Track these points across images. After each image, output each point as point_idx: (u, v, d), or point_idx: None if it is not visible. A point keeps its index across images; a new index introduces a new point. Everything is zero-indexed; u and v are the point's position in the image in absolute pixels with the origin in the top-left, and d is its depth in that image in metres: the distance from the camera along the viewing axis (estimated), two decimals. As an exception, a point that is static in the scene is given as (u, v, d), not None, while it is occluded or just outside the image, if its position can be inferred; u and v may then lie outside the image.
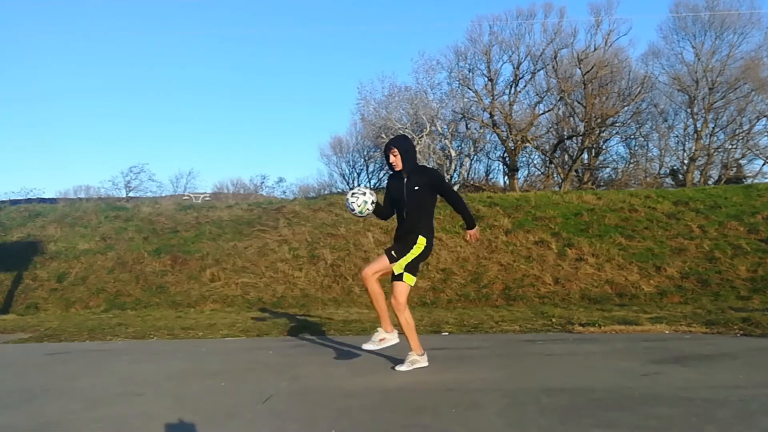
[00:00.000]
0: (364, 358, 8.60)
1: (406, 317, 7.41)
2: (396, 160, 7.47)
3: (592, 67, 39.20)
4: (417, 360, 7.54)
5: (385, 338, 7.48)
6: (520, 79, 41.85)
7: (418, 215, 7.43)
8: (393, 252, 7.38)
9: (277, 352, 9.58)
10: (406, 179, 7.43)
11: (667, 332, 10.72)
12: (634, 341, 9.88)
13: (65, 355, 10.09)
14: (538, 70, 41.78)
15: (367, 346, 7.45)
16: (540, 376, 7.17)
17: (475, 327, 11.43)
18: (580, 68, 40.08)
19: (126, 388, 7.02)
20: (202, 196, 43.38)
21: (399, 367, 7.51)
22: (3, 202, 31.16)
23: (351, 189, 7.79)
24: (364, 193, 7.53)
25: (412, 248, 7.37)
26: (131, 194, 46.54)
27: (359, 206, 7.42)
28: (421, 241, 7.39)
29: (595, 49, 41.00)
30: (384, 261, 7.41)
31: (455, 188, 8.31)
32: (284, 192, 51.36)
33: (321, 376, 7.49)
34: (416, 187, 7.38)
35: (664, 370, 7.27)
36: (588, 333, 10.86)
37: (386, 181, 8.06)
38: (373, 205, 7.49)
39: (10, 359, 10.00)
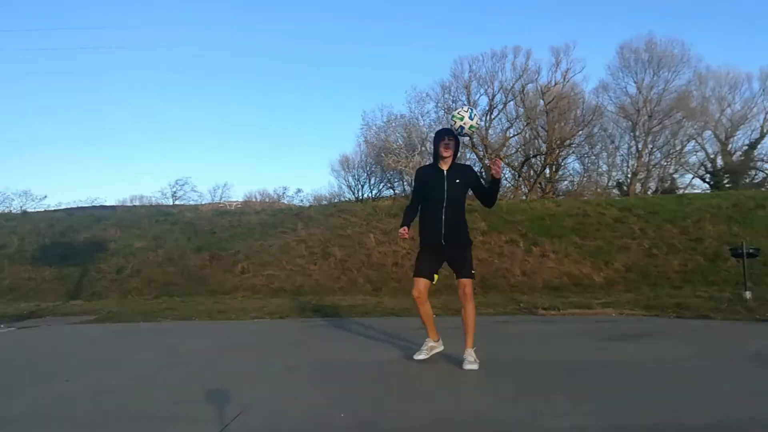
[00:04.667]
0: (366, 336, 8.61)
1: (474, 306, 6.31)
2: (451, 144, 6.23)
3: (553, 99, 39.17)
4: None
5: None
6: (494, 108, 41.71)
7: (459, 211, 6.30)
8: (470, 270, 6.25)
9: (297, 331, 9.59)
10: (446, 171, 6.27)
11: (614, 315, 10.75)
12: (588, 322, 9.90)
13: (123, 333, 10.09)
14: (509, 101, 41.64)
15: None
16: (511, 350, 7.18)
17: (458, 311, 11.33)
18: (543, 99, 40.01)
19: (173, 360, 7.03)
20: (234, 204, 43.24)
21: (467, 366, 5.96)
22: (73, 209, 31.12)
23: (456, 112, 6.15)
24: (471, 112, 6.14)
25: (471, 254, 6.37)
26: (177, 202, 46.42)
27: (461, 117, 6.06)
28: (470, 242, 6.43)
29: (555, 84, 40.91)
30: (466, 284, 6.21)
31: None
32: (302, 200, 51.02)
33: (333, 350, 7.49)
34: (458, 180, 6.25)
35: (612, 346, 7.28)
36: (550, 315, 10.88)
37: (415, 176, 6.68)
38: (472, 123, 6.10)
39: (78, 336, 10.00)
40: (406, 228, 6.31)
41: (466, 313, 6.26)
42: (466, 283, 6.23)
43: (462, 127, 6.12)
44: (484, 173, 41.26)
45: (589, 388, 5.02)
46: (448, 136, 6.27)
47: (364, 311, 11.92)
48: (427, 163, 6.69)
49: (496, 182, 6.27)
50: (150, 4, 79.55)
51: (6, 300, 16.26)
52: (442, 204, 6.19)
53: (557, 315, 10.92)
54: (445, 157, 6.29)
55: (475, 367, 5.91)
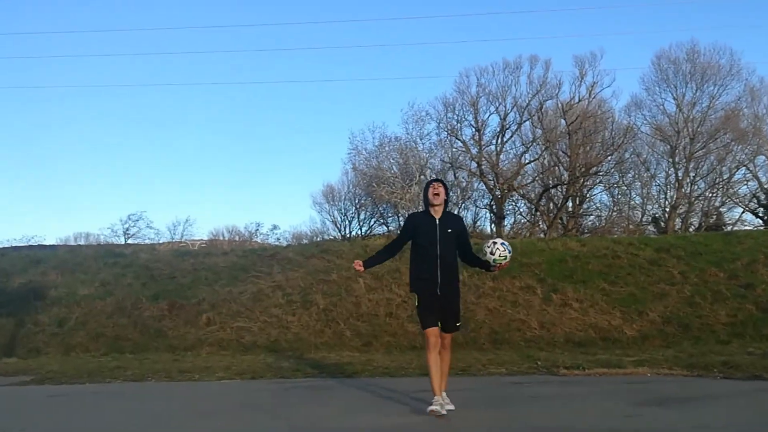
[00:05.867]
0: (354, 399, 8.62)
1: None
2: (441, 191, 7.30)
3: (577, 118, 39.38)
4: None
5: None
6: (507, 129, 41.96)
7: (454, 260, 7.39)
8: (456, 324, 7.50)
9: (272, 394, 9.60)
10: (438, 219, 7.30)
11: (649, 375, 10.76)
12: (617, 383, 9.92)
13: (65, 397, 10.08)
14: (524, 121, 41.91)
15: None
16: (526, 417, 7.20)
17: (463, 370, 11.44)
18: (564, 119, 40.25)
19: (124, 428, 7.03)
20: (198, 242, 43.28)
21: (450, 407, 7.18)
22: (5, 248, 31.09)
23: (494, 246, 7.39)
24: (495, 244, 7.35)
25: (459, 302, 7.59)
26: (130, 241, 46.53)
27: (492, 253, 7.30)
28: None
29: (579, 101, 41.15)
30: (449, 337, 7.45)
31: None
32: (278, 239, 51.26)
33: (314, 416, 7.51)
34: (449, 230, 7.28)
35: (646, 412, 7.31)
36: (572, 376, 10.89)
37: (406, 220, 7.92)
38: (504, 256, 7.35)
39: (12, 401, 9.99)
40: (361, 264, 7.48)
41: (443, 362, 7.31)
42: (448, 336, 7.43)
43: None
44: (494, 206, 41.53)
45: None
46: (437, 182, 7.39)
47: (352, 370, 11.91)
48: (420, 210, 7.79)
49: (486, 266, 7.48)
50: (95, 11, 79.98)
51: (-76, 358, 16.21)
52: (436, 253, 7.22)
53: (581, 375, 10.94)
54: (436, 205, 7.35)
55: (452, 407, 7.11)
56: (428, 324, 7.22)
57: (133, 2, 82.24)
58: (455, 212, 41.58)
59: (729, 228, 39.33)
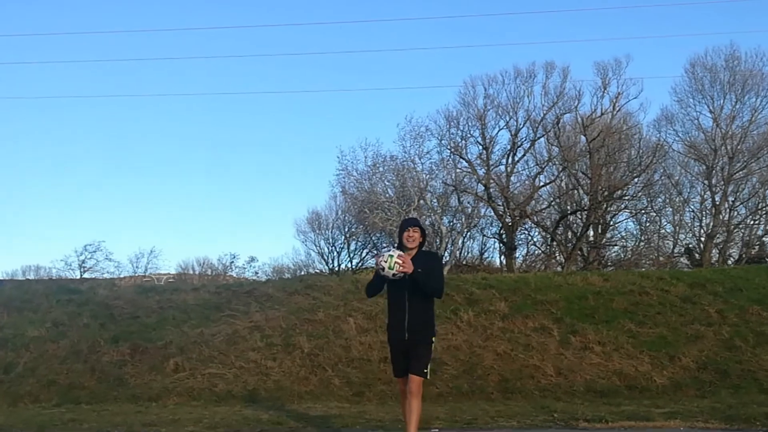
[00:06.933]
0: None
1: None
2: (417, 236, 7.99)
3: (599, 134, 39.44)
4: None
5: None
6: (519, 147, 42.06)
7: (424, 302, 8.01)
8: (422, 369, 7.92)
9: (250, 451, 9.66)
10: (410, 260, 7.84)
11: (682, 429, 10.83)
12: (645, 438, 9.99)
13: (13, 454, 10.12)
14: (539, 138, 42.03)
15: None
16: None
17: (469, 423, 11.50)
18: (585, 135, 40.32)
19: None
20: (165, 277, 43.42)
21: None
22: (-58, 284, 31.07)
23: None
24: (389, 250, 7.88)
25: (430, 351, 8.10)
26: (86, 275, 46.54)
27: (386, 262, 7.70)
28: (432, 339, 8.13)
29: (601, 114, 41.25)
30: (414, 380, 7.89)
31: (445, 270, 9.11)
32: (256, 273, 51.49)
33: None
34: (419, 270, 7.76)
35: (676, 470, 7.39)
36: (594, 429, 10.96)
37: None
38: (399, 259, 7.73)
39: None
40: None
41: (410, 409, 7.86)
42: (414, 379, 7.92)
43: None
44: (504, 235, 41.59)
45: None
46: (412, 227, 8.07)
47: (341, 423, 11.97)
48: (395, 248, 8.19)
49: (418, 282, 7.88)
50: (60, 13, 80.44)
51: None
52: (405, 295, 7.93)
53: (604, 428, 11.00)
54: (410, 249, 8.04)
55: None
56: (396, 373, 8.39)
57: (100, 5, 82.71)
58: (459, 242, 41.84)
59: (774, 260, 39.38)
